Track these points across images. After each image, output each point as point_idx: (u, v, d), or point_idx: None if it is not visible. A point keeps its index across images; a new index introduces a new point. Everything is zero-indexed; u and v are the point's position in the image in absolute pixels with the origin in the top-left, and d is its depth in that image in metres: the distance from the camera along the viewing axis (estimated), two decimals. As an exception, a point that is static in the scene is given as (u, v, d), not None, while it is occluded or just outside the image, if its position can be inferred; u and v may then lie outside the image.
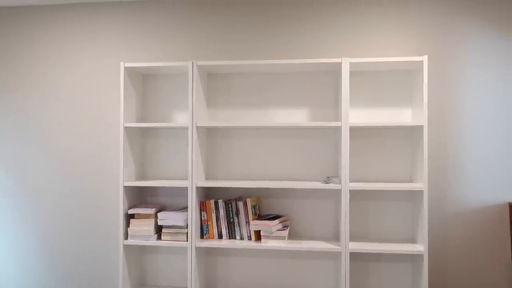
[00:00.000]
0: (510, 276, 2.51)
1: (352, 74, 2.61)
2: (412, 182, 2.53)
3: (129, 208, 2.56)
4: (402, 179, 2.57)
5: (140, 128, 2.68)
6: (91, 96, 2.82)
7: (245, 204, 2.51)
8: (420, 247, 2.34)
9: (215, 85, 2.73)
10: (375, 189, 2.35)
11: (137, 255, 2.70)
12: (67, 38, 2.84)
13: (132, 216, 2.56)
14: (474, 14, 2.56)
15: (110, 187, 2.79)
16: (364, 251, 2.34)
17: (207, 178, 2.72)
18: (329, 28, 2.66)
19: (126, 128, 2.53)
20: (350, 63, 2.38)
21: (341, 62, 2.36)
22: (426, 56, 2.31)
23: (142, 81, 2.78)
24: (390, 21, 2.62)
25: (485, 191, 2.53)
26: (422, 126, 2.32)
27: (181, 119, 2.75)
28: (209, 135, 2.73)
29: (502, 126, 2.52)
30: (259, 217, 2.56)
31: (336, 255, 2.59)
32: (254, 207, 2.55)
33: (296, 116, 2.67)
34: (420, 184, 2.34)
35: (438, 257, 2.55)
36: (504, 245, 2.52)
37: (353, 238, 2.58)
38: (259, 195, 2.68)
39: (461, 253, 2.55)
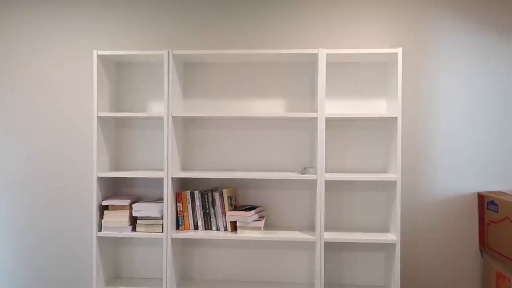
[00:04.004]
0: (479, 263, 2.60)
1: (329, 65, 2.62)
2: (386, 172, 2.58)
3: (103, 200, 2.51)
4: (376, 170, 2.61)
5: (114, 118, 2.62)
6: (63, 85, 2.74)
7: (221, 195, 2.51)
8: (392, 236, 2.39)
9: (192, 75, 2.69)
10: (350, 179, 2.38)
11: (111, 247, 2.66)
12: (37, 24, 2.74)
13: (106, 207, 2.51)
14: (448, 7, 2.60)
15: (84, 178, 2.73)
16: (338, 241, 2.38)
17: (183, 168, 2.69)
18: (307, 19, 2.66)
19: (99, 117, 2.47)
20: (327, 54, 2.39)
21: (318, 53, 2.36)
22: (401, 48, 2.34)
23: (116, 70, 2.71)
24: (367, 13, 2.63)
25: (456, 181, 2.60)
26: (396, 117, 2.36)
27: (156, 109, 2.70)
28: (186, 125, 2.70)
29: (472, 119, 2.59)
30: (236, 208, 2.56)
31: (311, 245, 2.62)
32: (230, 198, 2.54)
33: (273, 107, 2.67)
34: (393, 175, 2.39)
35: (410, 246, 2.62)
36: (472, 233, 2.60)
37: (328, 228, 2.61)
38: (235, 186, 2.68)
39: (432, 241, 2.61)
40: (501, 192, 2.48)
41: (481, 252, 2.58)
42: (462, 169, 2.60)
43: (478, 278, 2.60)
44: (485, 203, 2.48)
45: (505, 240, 2.27)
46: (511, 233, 2.21)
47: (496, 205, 2.36)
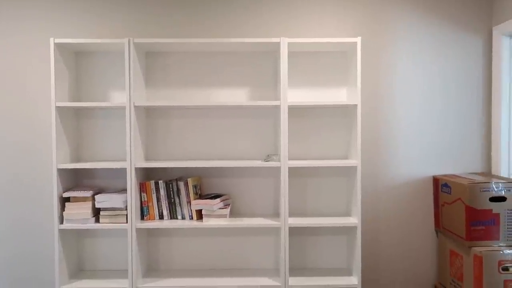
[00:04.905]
0: (434, 242, 2.74)
1: (292, 54, 2.65)
2: (347, 158, 2.66)
3: (64, 192, 2.46)
4: (338, 156, 2.69)
5: (73, 108, 2.56)
6: (19, 74, 2.63)
7: (186, 184, 2.51)
8: (354, 220, 2.48)
9: (154, 64, 2.66)
10: (312, 166, 2.44)
11: (74, 240, 2.61)
12: (-12, 10, 2.62)
13: (67, 199, 2.46)
14: (404, -2, 2.70)
15: (44, 170, 2.64)
16: (302, 225, 2.44)
17: (147, 158, 2.67)
18: (271, 8, 2.67)
19: (58, 108, 2.40)
20: (289, 43, 2.42)
21: (280, 42, 2.39)
22: (360, 37, 2.41)
23: (76, 59, 2.64)
24: (328, 3, 2.68)
25: (413, 166, 2.72)
26: (356, 105, 2.43)
27: (118, 98, 2.66)
28: (148, 115, 2.67)
29: (429, 106, 2.71)
30: (201, 196, 2.57)
31: (276, 231, 2.67)
32: (195, 186, 2.55)
33: (236, 96, 2.68)
34: (354, 161, 2.47)
35: (371, 228, 2.72)
36: (428, 214, 2.73)
37: (292, 213, 2.67)
38: (200, 175, 2.68)
39: (391, 223, 2.73)
40: (454, 175, 2.62)
41: (437, 233, 2.72)
42: (419, 154, 2.72)
43: (434, 257, 2.74)
44: (440, 185, 2.61)
45: (457, 220, 2.40)
46: (462, 213, 2.34)
47: (449, 187, 2.49)
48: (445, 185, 2.54)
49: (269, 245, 2.70)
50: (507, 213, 2.29)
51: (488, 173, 2.68)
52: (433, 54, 2.69)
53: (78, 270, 2.66)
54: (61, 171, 2.44)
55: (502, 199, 2.29)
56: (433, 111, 2.71)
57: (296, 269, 2.67)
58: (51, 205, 2.62)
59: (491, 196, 2.29)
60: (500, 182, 2.30)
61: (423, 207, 2.73)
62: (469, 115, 2.71)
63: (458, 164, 2.72)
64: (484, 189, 2.29)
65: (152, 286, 2.43)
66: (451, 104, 2.71)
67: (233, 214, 2.66)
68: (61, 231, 2.43)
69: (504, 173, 2.61)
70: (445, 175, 2.64)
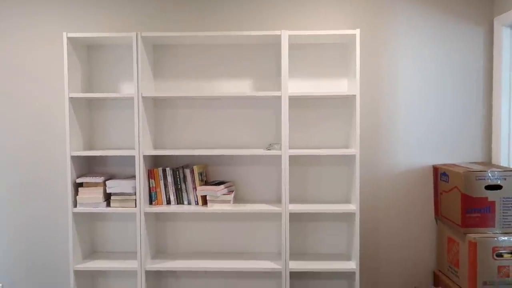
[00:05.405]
0: (433, 231, 2.80)
1: (295, 47, 2.73)
2: (348, 148, 2.73)
3: (78, 178, 2.61)
4: (339, 145, 2.76)
5: (86, 99, 2.70)
6: (33, 66, 2.78)
7: (192, 172, 2.63)
8: (353, 207, 2.56)
9: (161, 56, 2.77)
10: (312, 154, 2.52)
11: (86, 223, 2.76)
12: (5, 7, 2.77)
13: (80, 185, 2.61)
14: (405, -10, 2.73)
15: (58, 159, 2.80)
16: (302, 211, 2.54)
17: (155, 147, 2.80)
18: (275, 3, 2.75)
19: (71, 98, 2.55)
20: (290, 36, 2.50)
21: (281, 34, 2.47)
22: (359, 29, 2.47)
23: (88, 52, 2.78)
24: (329, -4, 2.75)
25: (412, 155, 2.77)
26: (354, 95, 2.50)
27: (127, 89, 2.79)
28: (156, 105, 2.80)
29: (428, 96, 2.75)
30: (206, 183, 2.69)
31: (277, 216, 2.78)
32: (201, 174, 2.67)
33: (240, 87, 2.78)
34: (353, 149, 2.54)
35: (371, 217, 2.79)
36: (428, 203, 2.79)
37: (294, 200, 2.76)
38: (206, 162, 2.80)
39: (390, 211, 2.80)
40: (453, 164, 2.66)
41: (436, 221, 2.77)
42: (419, 144, 2.77)
43: (434, 245, 2.79)
44: (439, 174, 2.66)
45: (453, 207, 2.46)
46: (458, 200, 2.40)
47: (447, 175, 2.54)
48: (444, 173, 2.59)
49: (271, 230, 2.80)
50: (503, 201, 2.33)
51: (488, 163, 2.71)
52: (433, 46, 2.73)
53: (91, 252, 2.82)
54: (74, 158, 2.59)
55: (497, 187, 2.33)
56: (433, 102, 2.75)
57: (297, 254, 2.77)
58: (61, 196, 2.78)
59: (486, 185, 2.34)
60: (496, 171, 2.35)
61: (423, 196, 2.79)
62: (469, 106, 2.74)
63: (458, 153, 2.76)
64: (480, 178, 2.34)
65: (160, 267, 2.58)
66: (452, 94, 2.74)
67: (236, 200, 2.78)
68: (75, 214, 2.58)
69: (504, 162, 2.65)
70: (445, 164, 2.69)
